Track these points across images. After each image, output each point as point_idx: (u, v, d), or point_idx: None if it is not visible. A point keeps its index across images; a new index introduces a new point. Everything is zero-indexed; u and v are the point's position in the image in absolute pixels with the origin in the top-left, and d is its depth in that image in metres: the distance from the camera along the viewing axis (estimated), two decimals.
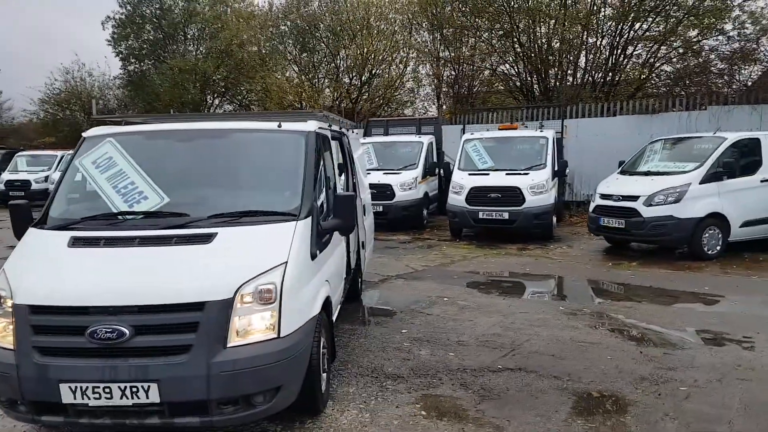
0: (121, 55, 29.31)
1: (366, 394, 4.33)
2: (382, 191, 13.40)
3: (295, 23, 23.55)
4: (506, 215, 11.26)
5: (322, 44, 23.93)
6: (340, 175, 6.27)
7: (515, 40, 20.28)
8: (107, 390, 3.12)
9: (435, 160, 15.11)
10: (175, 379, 3.13)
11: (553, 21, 19.14)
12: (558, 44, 20.07)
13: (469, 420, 3.91)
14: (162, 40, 28.82)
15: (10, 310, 3.27)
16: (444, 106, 24.78)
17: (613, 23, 18.87)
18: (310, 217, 3.96)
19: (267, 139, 4.48)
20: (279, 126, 4.47)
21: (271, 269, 3.44)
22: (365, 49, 22.63)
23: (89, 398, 3.13)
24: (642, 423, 3.85)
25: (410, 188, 13.51)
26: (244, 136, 4.48)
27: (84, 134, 4.52)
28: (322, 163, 4.62)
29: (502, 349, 5.28)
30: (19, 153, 21.80)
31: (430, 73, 24.78)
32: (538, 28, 20.24)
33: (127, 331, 3.12)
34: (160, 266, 3.40)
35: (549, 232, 11.72)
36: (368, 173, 13.70)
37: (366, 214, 6.55)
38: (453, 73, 23.72)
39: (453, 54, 23.05)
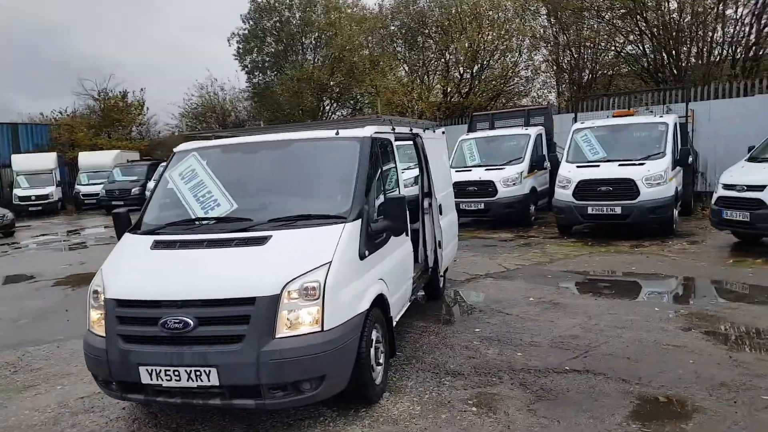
0: (246, 69, 31.72)
1: (422, 388, 4.48)
2: (483, 188, 13.34)
3: (404, 22, 23.88)
4: (618, 210, 10.53)
5: (431, 40, 24.07)
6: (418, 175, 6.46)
7: (640, 16, 19.01)
8: (176, 373, 3.59)
9: (545, 152, 14.66)
10: (231, 365, 3.52)
11: None
12: (689, 18, 18.54)
13: (517, 418, 3.92)
14: (282, 52, 30.69)
15: (103, 303, 3.87)
16: (566, 94, 23.84)
17: None
18: (360, 220, 4.19)
19: (325, 146, 4.79)
20: (337, 133, 4.77)
21: (316, 268, 3.73)
22: (475, 41, 22.40)
23: (162, 379, 3.62)
24: (704, 430, 3.62)
25: (514, 184, 13.23)
26: (304, 145, 4.82)
27: (174, 149, 5.14)
28: (379, 166, 4.82)
29: (575, 350, 5.14)
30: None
31: (548, 59, 23.97)
32: (666, 3, 18.84)
33: (191, 322, 3.57)
34: (221, 265, 3.83)
35: (669, 227, 10.88)
36: (468, 170, 13.79)
37: (443, 213, 6.64)
38: (574, 57, 22.77)
39: (572, 37, 22.14)
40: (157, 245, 4.14)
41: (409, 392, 4.42)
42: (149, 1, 67.25)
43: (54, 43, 66.10)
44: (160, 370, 3.61)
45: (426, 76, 25.47)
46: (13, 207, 22.05)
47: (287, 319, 3.62)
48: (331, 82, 28.53)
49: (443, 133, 8.55)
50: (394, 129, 5.45)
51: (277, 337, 3.57)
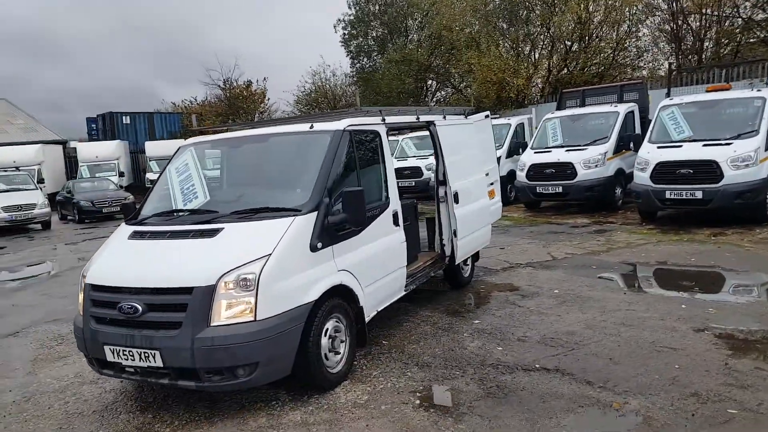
0: (351, 54, 32.35)
1: (384, 378, 4.56)
2: (561, 170, 12.73)
3: None
4: (699, 194, 9.62)
5: (534, 13, 22.97)
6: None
7: None
8: (131, 353, 4.01)
9: (638, 131, 13.57)
10: (171, 349, 3.87)
11: None
12: None
13: (451, 414, 3.89)
14: (387, 35, 30.92)
15: (82, 287, 4.39)
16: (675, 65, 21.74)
17: None
18: (316, 212, 4.32)
19: (299, 140, 4.96)
20: (311, 127, 4.91)
21: (253, 261, 3.94)
22: (582, 12, 21.03)
23: (121, 358, 4.07)
24: None
25: (596, 165, 12.48)
26: (280, 139, 5.03)
27: (179, 145, 5.58)
28: (356, 158, 4.85)
29: (560, 348, 4.91)
30: None
31: (662, 28, 21.93)
32: None
33: (140, 308, 3.96)
34: (173, 256, 4.18)
35: (760, 213, 9.73)
36: (548, 151, 13.17)
37: (463, 201, 6.51)
38: (690, 25, 20.68)
39: (691, 2, 20.08)
40: (133, 235, 4.59)
41: (369, 381, 4.53)
42: None
43: (189, 36, 72.56)
44: (119, 350, 4.05)
45: (531, 51, 24.43)
46: (145, 190, 24.67)
47: (223, 308, 3.87)
48: (432, 63, 28.29)
49: (487, 116, 8.36)
50: (384, 120, 5.45)
51: (212, 325, 3.85)
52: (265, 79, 38.89)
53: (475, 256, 7.55)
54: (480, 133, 7.76)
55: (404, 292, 5.64)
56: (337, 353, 4.49)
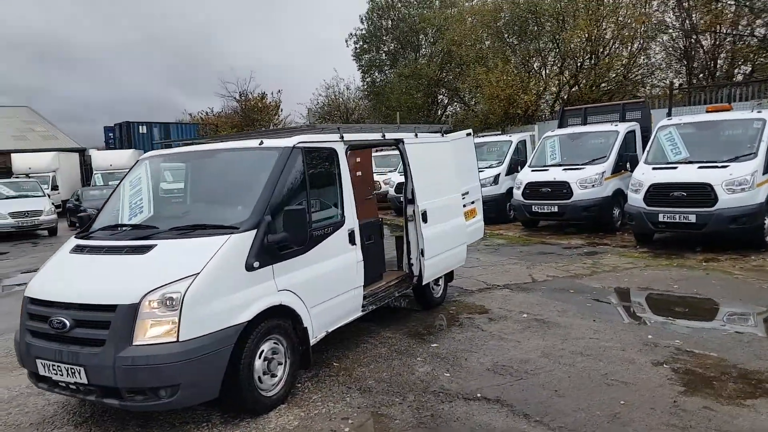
0: (362, 68, 32.51)
1: (322, 403, 4.45)
2: (557, 189, 12.52)
3: (515, 12, 22.87)
4: (693, 218, 9.30)
5: (545, 28, 22.84)
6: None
7: None
8: (59, 368, 3.97)
9: (639, 151, 13.30)
10: (94, 367, 3.82)
11: None
12: None
13: None
14: (399, 50, 31.01)
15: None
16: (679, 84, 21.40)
17: None
18: (255, 230, 4.25)
19: (247, 156, 4.91)
20: (261, 143, 4.86)
21: (179, 280, 3.88)
22: (592, 30, 20.84)
23: (52, 373, 4.03)
24: None
25: (593, 185, 12.23)
26: (230, 154, 4.99)
27: (138, 158, 5.57)
28: (304, 176, 4.77)
29: (508, 376, 4.76)
30: None
31: (672, 46, 21.63)
32: None
33: (68, 323, 3.93)
34: (104, 272, 4.15)
35: (758, 239, 9.39)
36: (546, 169, 12.98)
37: (431, 221, 6.40)
38: (701, 43, 20.35)
39: (704, 21, 19.75)
40: (75, 249, 4.58)
41: (306, 406, 4.43)
42: (283, 7, 72.31)
43: (207, 49, 74.01)
44: (49, 364, 4.02)
45: (541, 68, 24.28)
46: None
47: (146, 327, 3.81)
48: (442, 78, 28.27)
49: (468, 135, 8.26)
50: (342, 137, 5.37)
51: (134, 344, 3.79)
52: (279, 91, 39.28)
53: (449, 276, 7.41)
54: (459, 151, 7.66)
55: (361, 313, 5.53)
56: (274, 376, 4.39)
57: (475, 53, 24.10)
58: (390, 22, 31.04)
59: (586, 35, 20.90)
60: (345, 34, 32.88)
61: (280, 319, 4.44)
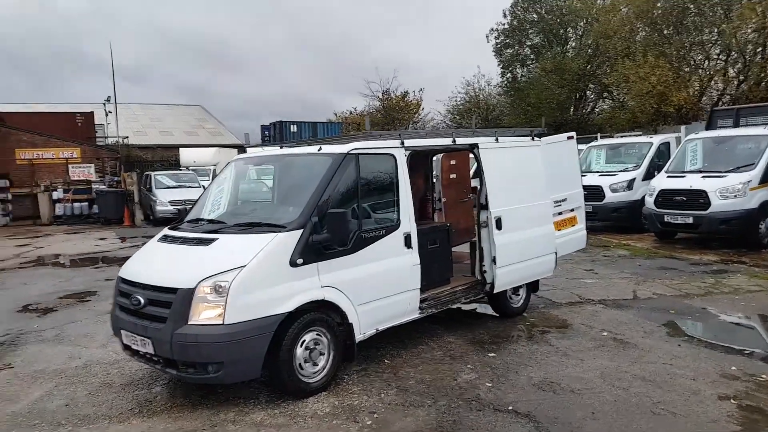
0: (503, 64, 31.73)
1: (358, 395, 4.69)
2: (693, 199, 11.47)
3: (674, 1, 20.91)
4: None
5: (706, 19, 20.63)
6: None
7: None
8: (136, 339, 4.65)
9: None
10: (158, 340, 4.43)
11: None
12: None
13: None
14: (545, 44, 29.87)
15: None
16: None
17: None
18: (300, 230, 4.60)
19: (307, 161, 5.29)
20: (319, 149, 5.20)
21: (228, 270, 4.35)
22: (762, 20, 18.46)
23: (131, 342, 4.73)
24: None
25: (735, 196, 10.97)
26: (294, 159, 5.39)
27: (229, 160, 6.22)
28: (356, 181, 5.01)
29: (550, 393, 4.61)
30: None
31: None
32: None
33: (142, 301, 4.58)
34: (174, 259, 4.77)
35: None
36: (683, 176, 11.95)
37: (502, 228, 6.25)
38: None
39: None
40: (161, 238, 5.28)
41: (343, 395, 4.69)
42: (429, 6, 72.96)
43: (354, 49, 77.53)
44: (129, 335, 4.72)
45: (703, 63, 22.03)
46: None
47: (199, 309, 4.34)
48: (589, 73, 26.73)
49: (570, 138, 7.94)
50: (403, 143, 5.52)
51: (189, 323, 4.33)
52: (421, 90, 39.82)
53: (533, 286, 7.21)
54: (555, 155, 7.39)
55: (419, 315, 5.65)
56: (315, 365, 4.71)
57: (625, 46, 22.51)
58: (535, 15, 30.07)
59: (754, 24, 18.54)
60: (486, 30, 32.49)
61: (324, 313, 4.75)
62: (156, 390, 5.01)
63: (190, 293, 4.34)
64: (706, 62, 21.72)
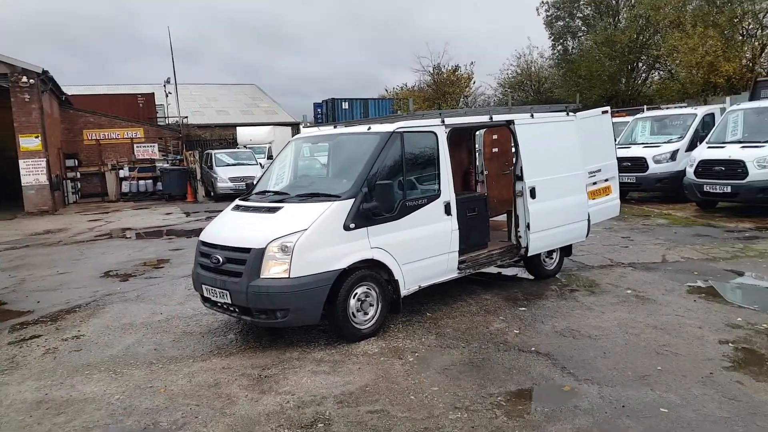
0: (553, 36, 31.41)
1: (402, 340, 5.49)
2: (731, 168, 11.70)
3: None
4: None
5: None
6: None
7: None
8: (215, 292, 5.58)
9: None
10: (235, 291, 5.34)
11: None
12: None
13: (425, 370, 4.69)
14: (597, 15, 29.42)
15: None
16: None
17: None
18: (353, 199, 5.40)
19: (359, 139, 6.05)
20: (369, 129, 5.95)
21: (293, 233, 5.19)
22: None
23: (211, 295, 5.67)
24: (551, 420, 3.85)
25: None
26: (346, 138, 6.17)
27: (290, 138, 7.05)
28: (402, 156, 5.74)
29: (570, 338, 5.29)
30: None
31: None
32: None
33: (221, 259, 5.49)
34: (246, 225, 5.66)
35: None
36: (722, 146, 12.14)
37: (536, 197, 6.84)
38: None
39: None
40: (234, 207, 6.19)
41: (389, 339, 5.51)
42: None
43: (407, 23, 77.23)
44: (209, 289, 5.66)
45: (756, 31, 21.47)
46: None
47: (269, 266, 5.21)
48: (640, 44, 26.30)
49: (605, 112, 8.40)
50: (443, 122, 6.20)
51: (261, 277, 5.21)
52: (472, 63, 39.79)
53: (567, 251, 7.81)
54: (589, 129, 7.87)
55: (458, 274, 6.38)
56: (366, 314, 5.54)
57: (675, 17, 22.14)
58: None
59: None
60: (537, 2, 32.16)
61: (373, 271, 5.55)
62: (230, 336, 5.94)
63: (261, 252, 5.21)
64: (759, 31, 21.12)
